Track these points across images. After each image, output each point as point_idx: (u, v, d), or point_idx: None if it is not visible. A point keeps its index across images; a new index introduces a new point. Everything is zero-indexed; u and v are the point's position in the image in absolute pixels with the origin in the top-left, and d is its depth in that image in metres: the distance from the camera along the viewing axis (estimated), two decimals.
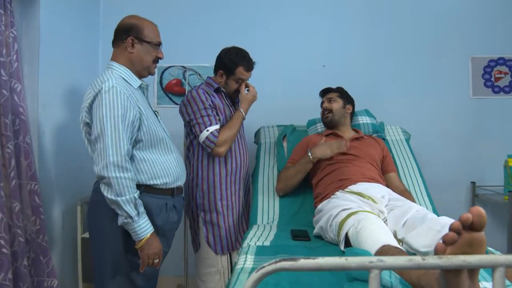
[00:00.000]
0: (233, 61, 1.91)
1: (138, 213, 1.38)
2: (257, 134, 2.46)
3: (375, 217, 1.40)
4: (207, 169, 1.93)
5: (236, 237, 1.98)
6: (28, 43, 1.92)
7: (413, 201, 1.83)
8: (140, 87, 1.55)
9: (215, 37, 2.60)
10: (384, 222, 1.49)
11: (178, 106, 1.98)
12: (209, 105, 1.87)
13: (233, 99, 2.04)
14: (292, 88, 2.62)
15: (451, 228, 0.78)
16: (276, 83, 2.61)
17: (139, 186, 1.43)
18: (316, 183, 1.96)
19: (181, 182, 1.60)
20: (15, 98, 1.76)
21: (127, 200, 1.35)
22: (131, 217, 1.36)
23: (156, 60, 1.58)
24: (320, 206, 1.76)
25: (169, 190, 1.54)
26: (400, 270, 1.04)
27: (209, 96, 1.90)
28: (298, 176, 1.98)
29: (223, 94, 1.98)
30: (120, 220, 1.38)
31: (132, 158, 1.43)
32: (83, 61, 2.43)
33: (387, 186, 1.89)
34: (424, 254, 1.26)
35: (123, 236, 1.44)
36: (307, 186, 2.03)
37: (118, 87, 1.39)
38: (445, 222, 1.32)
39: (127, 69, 1.51)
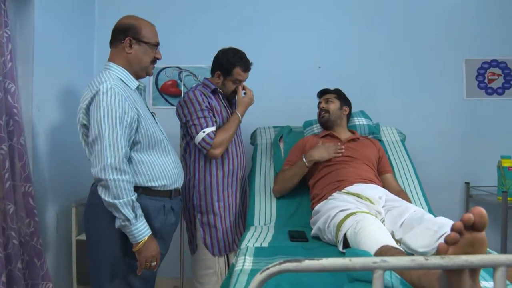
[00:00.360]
0: (231, 62, 1.91)
1: (136, 215, 1.37)
2: (253, 135, 2.45)
3: (373, 218, 1.41)
4: (203, 171, 1.92)
5: (233, 238, 1.98)
6: (23, 43, 1.90)
7: (409, 201, 1.84)
8: (137, 88, 1.54)
9: (211, 38, 2.59)
10: (382, 222, 1.50)
11: (174, 107, 1.97)
12: (206, 106, 1.87)
13: (230, 100, 2.03)
14: (288, 89, 2.63)
15: (453, 228, 0.79)
16: (272, 84, 2.61)
17: (137, 188, 1.42)
18: (313, 185, 1.96)
19: (179, 184, 1.59)
20: (9, 98, 1.74)
21: (124, 203, 1.34)
22: (128, 220, 1.35)
23: (154, 60, 1.57)
24: (317, 207, 1.77)
25: (167, 192, 1.53)
26: (400, 270, 1.04)
27: (206, 97, 1.89)
28: (294, 179, 1.98)
29: (220, 95, 1.98)
30: (118, 223, 1.37)
31: (130, 160, 1.42)
32: (77, 61, 2.41)
33: (383, 187, 1.90)
34: (422, 254, 1.26)
35: (121, 238, 1.43)
36: (304, 188, 2.03)
37: (116, 89, 1.38)
38: (443, 223, 1.34)
39: (124, 70, 1.50)
